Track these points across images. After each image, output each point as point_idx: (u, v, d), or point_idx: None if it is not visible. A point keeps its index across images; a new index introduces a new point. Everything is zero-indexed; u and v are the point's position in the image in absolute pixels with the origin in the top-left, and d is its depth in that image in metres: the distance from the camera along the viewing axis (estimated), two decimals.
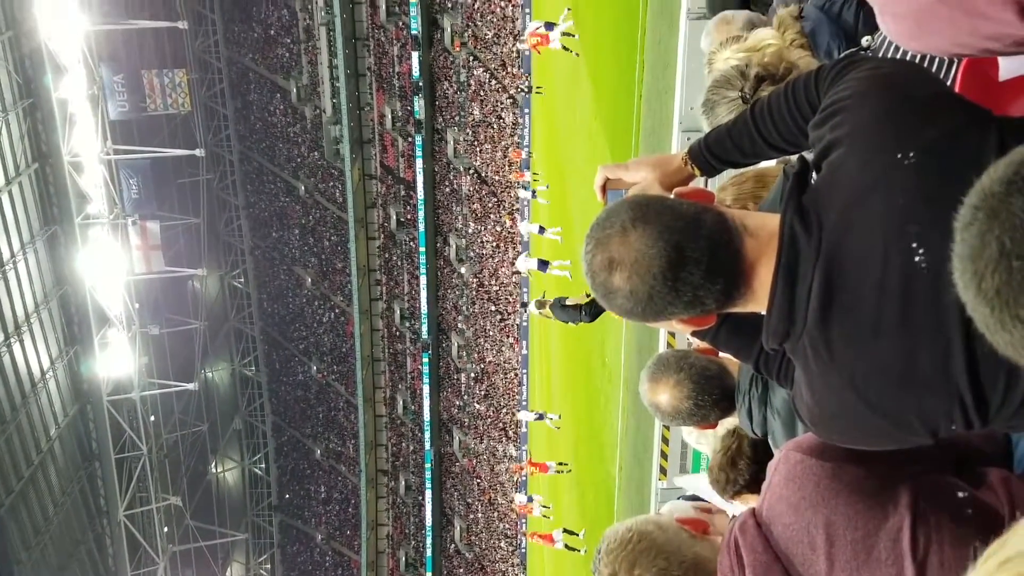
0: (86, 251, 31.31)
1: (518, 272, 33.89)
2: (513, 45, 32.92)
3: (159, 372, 37.63)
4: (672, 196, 1.64)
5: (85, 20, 30.49)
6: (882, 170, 1.48)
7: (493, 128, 35.79)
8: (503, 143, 35.53)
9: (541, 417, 32.85)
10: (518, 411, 36.63)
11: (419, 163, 38.23)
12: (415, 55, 36.52)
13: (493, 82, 35.03)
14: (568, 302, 15.81)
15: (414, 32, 36.19)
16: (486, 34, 34.64)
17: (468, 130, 36.95)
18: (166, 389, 37.53)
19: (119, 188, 33.84)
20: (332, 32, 37.62)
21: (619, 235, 1.50)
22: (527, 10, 32.12)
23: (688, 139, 12.20)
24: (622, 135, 22.48)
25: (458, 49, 35.80)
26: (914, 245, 1.40)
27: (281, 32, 41.18)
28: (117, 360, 32.91)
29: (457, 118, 37.33)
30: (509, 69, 34.19)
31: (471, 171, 37.40)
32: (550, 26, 27.23)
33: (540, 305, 19.93)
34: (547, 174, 31.90)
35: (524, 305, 33.02)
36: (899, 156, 1.47)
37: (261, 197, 45.04)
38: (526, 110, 33.73)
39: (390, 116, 39.11)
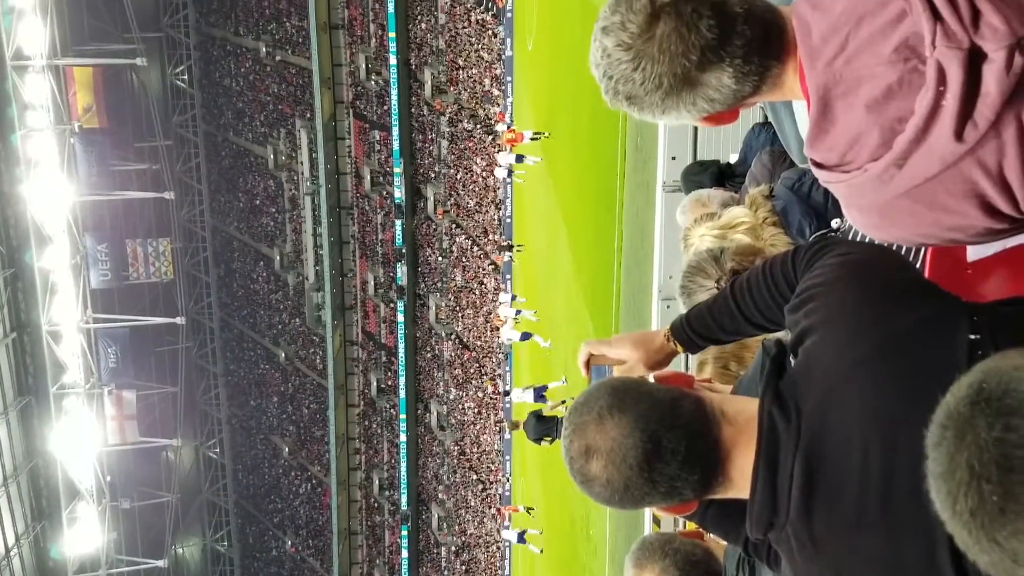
0: (60, 423, 30.83)
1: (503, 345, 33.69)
2: (493, 161, 33.70)
3: (128, 548, 36.44)
4: (651, 378, 1.64)
5: (72, 191, 31.11)
6: (856, 359, 1.49)
7: (475, 294, 36.17)
8: (485, 309, 35.84)
9: (522, 538, 31.75)
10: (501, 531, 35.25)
11: (401, 329, 38.41)
12: (398, 223, 37.30)
13: (475, 248, 35.65)
14: (544, 414, 15.57)
15: (398, 201, 37.09)
16: (468, 202, 35.50)
17: (450, 296, 37.33)
18: (135, 566, 36.22)
19: (96, 357, 33.73)
20: (317, 201, 38.50)
21: (596, 422, 1.50)
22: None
23: (667, 307, 12.37)
24: (602, 301, 22.79)
25: (441, 217, 36.61)
26: (892, 437, 1.39)
27: (266, 202, 42.10)
28: (85, 536, 31.88)
29: (439, 284, 37.77)
30: (491, 236, 34.89)
31: (453, 337, 37.54)
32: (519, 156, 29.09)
33: (514, 426, 19.68)
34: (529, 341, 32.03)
35: (507, 392, 32.54)
36: (871, 346, 1.48)
37: (240, 365, 44.85)
38: (508, 275, 34.20)
39: (372, 282, 39.54)
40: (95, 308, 33.79)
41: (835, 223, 2.75)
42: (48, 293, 30.35)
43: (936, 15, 1.28)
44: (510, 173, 31.94)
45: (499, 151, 31.57)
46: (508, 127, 30.93)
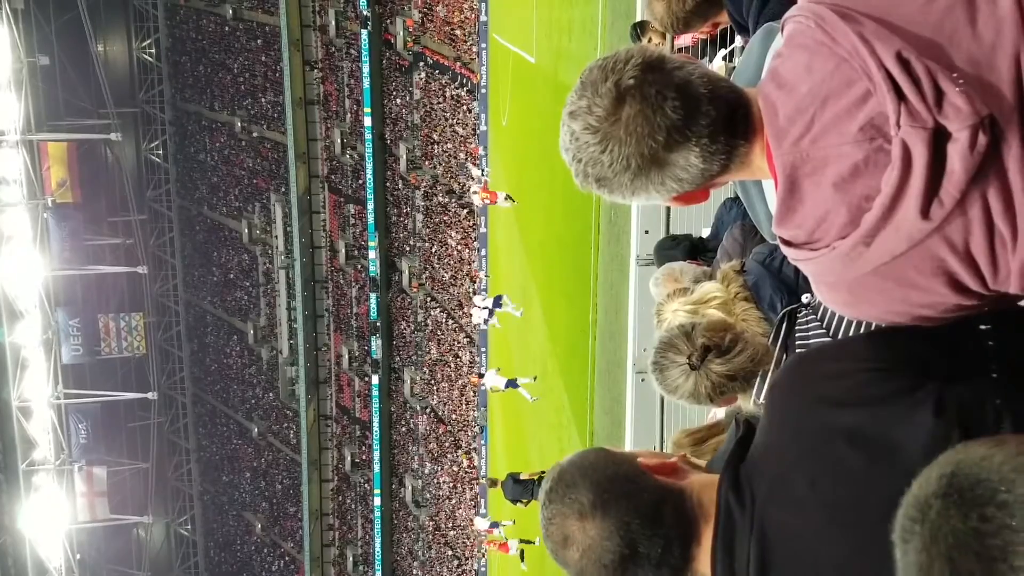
0: (29, 500, 30.20)
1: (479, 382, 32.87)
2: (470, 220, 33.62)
3: None
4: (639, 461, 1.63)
5: (45, 266, 30.93)
6: (810, 442, 1.49)
7: (450, 367, 36.00)
8: (460, 382, 35.66)
9: (496, 525, 30.70)
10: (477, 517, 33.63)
11: (375, 403, 38.08)
12: (373, 296, 37.25)
13: (450, 322, 35.60)
14: (522, 476, 15.45)
15: (373, 274, 37.09)
16: (443, 275, 35.56)
17: (425, 369, 37.13)
18: None
19: (67, 433, 33.17)
20: (291, 275, 38.44)
21: (576, 518, 1.51)
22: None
23: (642, 380, 12.33)
24: (577, 373, 22.73)
25: (416, 290, 36.60)
26: (848, 520, 1.39)
27: (240, 276, 41.97)
28: None
29: (414, 357, 37.60)
30: (466, 309, 34.89)
31: (428, 410, 37.25)
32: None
33: (492, 483, 19.26)
34: (504, 410, 31.81)
35: (481, 375, 31.85)
36: (825, 427, 1.48)
37: (213, 440, 44.22)
38: (483, 348, 34.11)
39: (347, 356, 39.30)
40: (66, 383, 33.36)
41: (805, 298, 2.76)
42: (19, 368, 29.97)
43: (900, 95, 1.30)
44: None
45: (474, 193, 31.52)
46: (483, 178, 30.93)
